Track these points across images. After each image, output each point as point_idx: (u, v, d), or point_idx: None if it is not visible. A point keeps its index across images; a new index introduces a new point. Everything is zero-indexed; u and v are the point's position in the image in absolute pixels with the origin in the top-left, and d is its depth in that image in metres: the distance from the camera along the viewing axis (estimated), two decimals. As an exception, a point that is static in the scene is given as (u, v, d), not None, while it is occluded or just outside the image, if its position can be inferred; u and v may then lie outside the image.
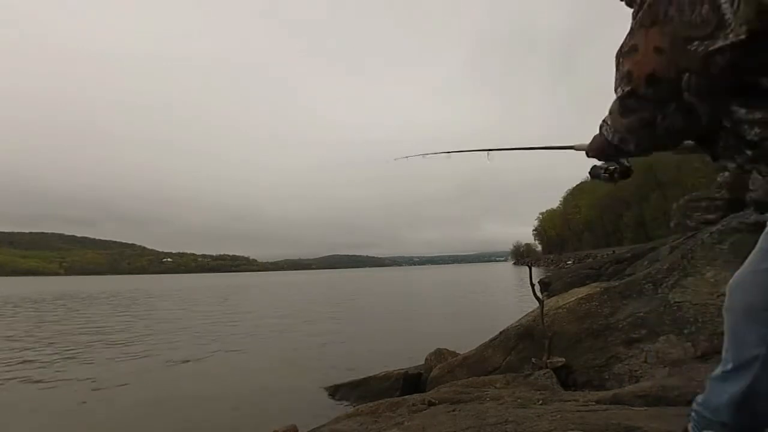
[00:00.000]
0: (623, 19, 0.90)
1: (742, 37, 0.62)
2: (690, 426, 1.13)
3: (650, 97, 0.77)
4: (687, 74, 0.70)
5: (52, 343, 8.54)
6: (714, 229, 3.85)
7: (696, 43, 0.67)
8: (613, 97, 0.87)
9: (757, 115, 0.69)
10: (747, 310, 0.94)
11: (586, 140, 1.12)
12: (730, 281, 1.00)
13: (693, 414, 1.12)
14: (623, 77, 0.80)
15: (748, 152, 0.75)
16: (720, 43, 0.64)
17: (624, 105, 0.83)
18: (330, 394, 4.66)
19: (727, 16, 0.63)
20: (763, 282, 0.90)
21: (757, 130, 0.69)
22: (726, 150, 0.81)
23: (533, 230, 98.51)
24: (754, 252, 0.96)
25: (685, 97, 0.73)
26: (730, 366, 0.99)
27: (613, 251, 30.08)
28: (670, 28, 0.70)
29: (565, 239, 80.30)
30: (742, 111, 0.70)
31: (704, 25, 0.65)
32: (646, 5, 0.73)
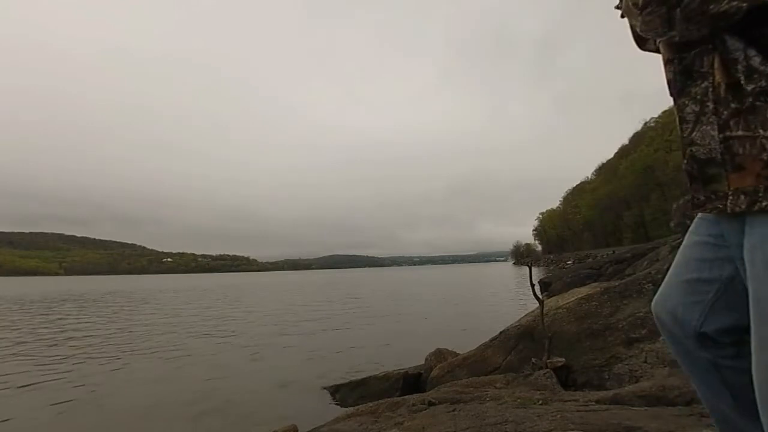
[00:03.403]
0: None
1: None
2: None
3: None
4: None
5: (54, 344, 8.54)
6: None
7: None
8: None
9: (756, 60, 0.62)
10: (674, 320, 0.90)
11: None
12: (655, 299, 0.95)
13: None
14: None
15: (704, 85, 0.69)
16: None
17: None
18: (330, 394, 4.66)
19: None
20: (685, 290, 0.87)
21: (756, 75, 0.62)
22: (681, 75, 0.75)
23: (533, 230, 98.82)
24: (674, 265, 0.92)
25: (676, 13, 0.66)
26: (689, 374, 0.94)
27: (613, 251, 30.12)
28: None
29: (565, 239, 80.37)
30: (748, 51, 0.63)
31: None
32: None
